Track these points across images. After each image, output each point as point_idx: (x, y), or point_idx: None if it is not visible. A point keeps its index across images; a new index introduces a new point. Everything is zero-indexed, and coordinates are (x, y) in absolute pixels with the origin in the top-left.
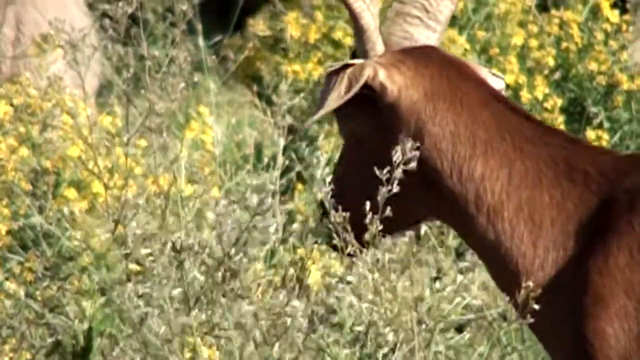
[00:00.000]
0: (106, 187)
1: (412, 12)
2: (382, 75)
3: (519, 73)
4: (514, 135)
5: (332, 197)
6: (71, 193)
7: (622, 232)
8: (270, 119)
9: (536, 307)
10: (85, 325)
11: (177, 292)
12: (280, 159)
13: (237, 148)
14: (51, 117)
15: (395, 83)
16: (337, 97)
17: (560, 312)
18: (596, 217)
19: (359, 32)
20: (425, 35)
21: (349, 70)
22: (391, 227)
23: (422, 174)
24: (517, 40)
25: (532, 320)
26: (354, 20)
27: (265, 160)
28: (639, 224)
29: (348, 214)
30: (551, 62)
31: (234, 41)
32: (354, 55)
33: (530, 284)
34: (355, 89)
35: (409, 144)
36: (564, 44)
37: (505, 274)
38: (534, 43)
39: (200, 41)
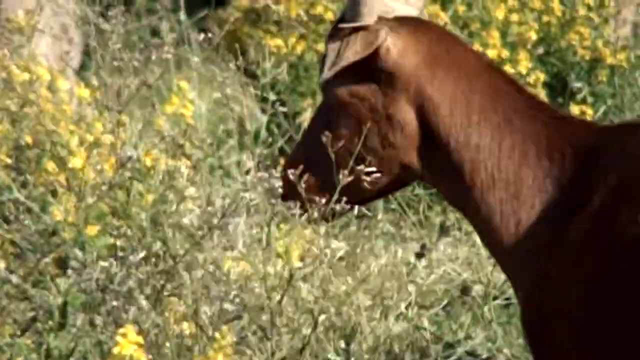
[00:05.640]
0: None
1: None
2: (389, 39)
3: (502, 48)
4: (506, 106)
5: (304, 163)
6: (51, 167)
7: (581, 226)
8: (253, 93)
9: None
10: (60, 300)
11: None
12: (263, 134)
13: (220, 123)
14: (30, 91)
15: (397, 47)
16: (354, 53)
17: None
18: (569, 200)
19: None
20: (406, 13)
21: (362, 32)
22: (370, 192)
23: (421, 137)
24: (499, 14)
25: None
26: None
27: (248, 135)
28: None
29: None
30: (534, 36)
31: (217, 15)
32: (340, 20)
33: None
34: (373, 47)
35: (409, 112)
36: (545, 18)
37: (495, 247)
38: (515, 17)
39: (182, 16)
